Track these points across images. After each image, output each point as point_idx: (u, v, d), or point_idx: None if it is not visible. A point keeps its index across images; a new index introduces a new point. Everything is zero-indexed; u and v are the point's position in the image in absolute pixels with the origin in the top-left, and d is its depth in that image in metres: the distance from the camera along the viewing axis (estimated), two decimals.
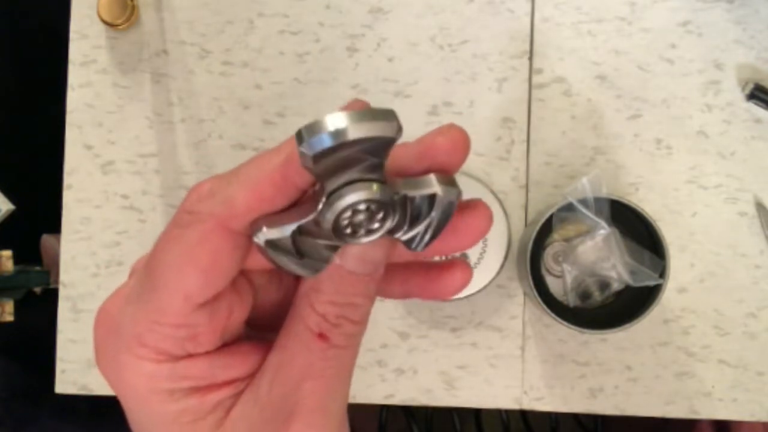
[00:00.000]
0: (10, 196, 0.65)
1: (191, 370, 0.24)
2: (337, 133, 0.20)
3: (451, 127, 0.25)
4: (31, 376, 0.79)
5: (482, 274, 0.58)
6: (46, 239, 0.69)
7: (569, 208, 0.55)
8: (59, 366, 0.62)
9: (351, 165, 0.21)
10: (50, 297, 0.63)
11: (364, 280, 0.25)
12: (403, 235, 0.24)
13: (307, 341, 0.25)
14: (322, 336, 0.25)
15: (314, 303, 0.25)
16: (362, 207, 0.22)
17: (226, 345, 0.25)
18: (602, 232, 0.56)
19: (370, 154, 0.21)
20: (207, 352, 0.25)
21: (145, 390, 0.24)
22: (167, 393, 0.24)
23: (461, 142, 0.25)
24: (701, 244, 0.60)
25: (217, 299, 0.24)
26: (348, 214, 0.22)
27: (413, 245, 0.25)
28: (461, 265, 0.27)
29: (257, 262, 0.25)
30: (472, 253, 0.58)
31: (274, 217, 0.23)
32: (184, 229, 0.24)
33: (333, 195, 0.22)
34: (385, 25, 0.62)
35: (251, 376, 0.25)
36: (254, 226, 0.23)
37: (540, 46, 0.61)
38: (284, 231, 0.22)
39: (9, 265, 0.64)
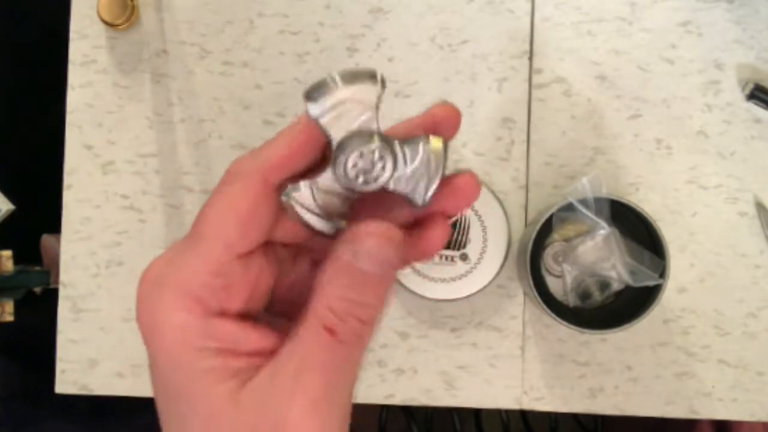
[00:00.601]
0: (10, 196, 0.65)
1: (220, 330, 0.26)
2: (331, 92, 0.25)
3: (446, 103, 0.29)
4: (31, 376, 0.79)
5: (482, 274, 0.58)
6: (46, 239, 0.69)
7: (569, 208, 0.55)
8: (59, 366, 0.62)
9: (352, 120, 0.26)
10: (50, 297, 0.63)
11: (375, 279, 0.26)
12: (406, 187, 0.27)
13: (316, 332, 0.26)
14: (329, 330, 0.26)
15: (325, 297, 0.26)
16: (365, 151, 0.26)
17: (249, 321, 0.27)
18: (602, 232, 0.56)
19: (364, 106, 0.26)
20: (234, 318, 0.27)
21: (178, 344, 0.26)
22: (197, 350, 0.26)
23: (453, 113, 0.28)
24: (701, 244, 0.60)
25: (251, 256, 0.27)
26: (354, 161, 0.26)
27: (417, 199, 0.27)
28: (439, 220, 0.29)
29: (284, 232, 0.28)
30: (472, 253, 0.58)
31: (298, 179, 0.27)
32: (228, 185, 0.27)
33: (340, 145, 0.26)
34: (385, 25, 0.62)
35: (268, 355, 0.27)
36: (282, 189, 0.27)
37: (540, 46, 0.61)
38: (305, 185, 0.27)
39: (9, 265, 0.64)
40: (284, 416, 0.25)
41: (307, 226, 0.27)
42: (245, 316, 0.27)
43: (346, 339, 0.26)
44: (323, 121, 0.26)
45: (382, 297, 0.27)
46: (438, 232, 0.29)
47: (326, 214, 0.27)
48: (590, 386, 0.60)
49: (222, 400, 0.26)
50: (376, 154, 0.26)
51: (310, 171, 0.28)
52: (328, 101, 0.26)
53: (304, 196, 0.27)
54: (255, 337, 0.27)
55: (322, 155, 0.28)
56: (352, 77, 0.26)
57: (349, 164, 0.26)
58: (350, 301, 0.26)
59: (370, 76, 0.26)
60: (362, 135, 0.26)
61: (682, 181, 0.61)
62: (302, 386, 0.26)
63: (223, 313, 0.26)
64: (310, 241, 0.29)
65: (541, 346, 0.60)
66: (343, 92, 0.26)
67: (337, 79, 0.26)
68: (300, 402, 0.25)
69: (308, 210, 0.27)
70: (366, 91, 0.26)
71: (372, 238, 0.26)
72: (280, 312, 0.29)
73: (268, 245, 0.28)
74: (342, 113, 0.26)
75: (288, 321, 0.28)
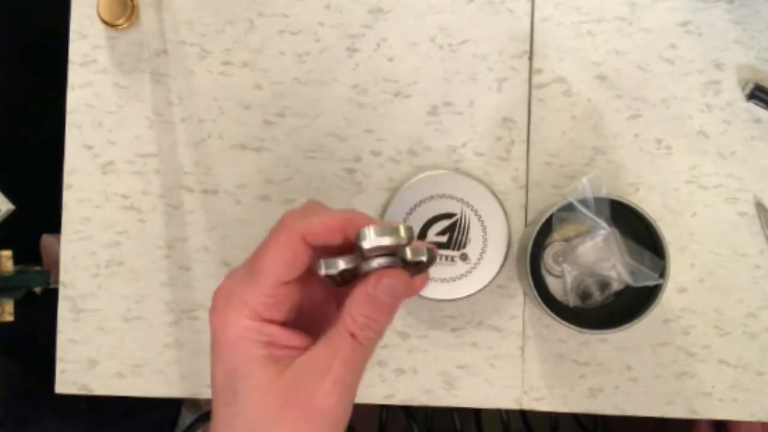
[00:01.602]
0: (10, 196, 0.65)
1: (269, 330, 0.39)
2: (371, 240, 0.39)
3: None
4: (31, 376, 0.79)
5: (482, 274, 0.58)
6: (46, 239, 0.69)
7: (569, 208, 0.55)
8: (59, 366, 0.62)
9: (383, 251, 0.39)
10: (50, 297, 0.63)
11: (387, 305, 0.39)
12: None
13: (343, 336, 0.39)
14: (353, 335, 0.38)
15: (352, 314, 0.39)
16: (384, 263, 0.40)
17: (288, 326, 0.40)
18: (602, 232, 0.56)
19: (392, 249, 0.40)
20: (279, 323, 0.39)
21: (241, 337, 0.39)
22: (253, 341, 0.39)
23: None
24: (701, 244, 0.60)
25: (292, 284, 0.40)
26: (378, 264, 0.39)
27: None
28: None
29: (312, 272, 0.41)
30: (472, 253, 0.58)
31: (330, 258, 0.39)
32: (279, 235, 0.39)
33: (366, 262, 0.39)
34: (385, 25, 0.62)
35: (302, 350, 0.39)
36: (316, 263, 0.39)
37: (540, 46, 0.61)
38: (337, 268, 0.39)
39: (9, 265, 0.64)
40: (316, 388, 0.38)
41: (330, 284, 0.41)
42: (285, 324, 0.40)
43: (364, 342, 0.39)
44: (366, 247, 0.38)
45: (389, 317, 0.39)
46: (422, 280, 0.42)
47: (343, 281, 0.40)
48: (590, 386, 0.60)
49: (268, 377, 0.38)
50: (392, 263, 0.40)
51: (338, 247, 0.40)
52: (367, 244, 0.38)
53: (332, 268, 0.39)
54: (292, 337, 0.40)
55: (349, 242, 0.40)
56: (385, 232, 0.38)
57: (374, 265, 0.39)
58: (369, 318, 0.38)
59: (398, 231, 0.39)
60: (386, 259, 0.39)
61: (682, 181, 0.61)
62: (332, 370, 0.38)
63: (271, 321, 0.39)
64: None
65: (541, 346, 0.60)
66: (377, 241, 0.38)
67: (373, 233, 0.38)
68: (329, 380, 0.38)
69: (333, 279, 0.40)
70: (394, 241, 0.38)
71: (388, 278, 0.38)
72: (300, 325, 0.41)
73: (302, 276, 0.40)
74: (378, 248, 0.39)
75: (314, 325, 0.41)
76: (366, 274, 0.39)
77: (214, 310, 0.40)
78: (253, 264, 0.40)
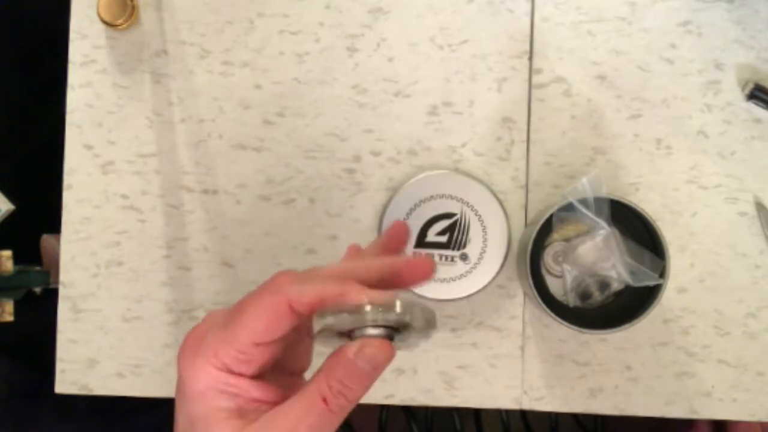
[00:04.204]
0: (10, 196, 0.65)
1: (236, 383, 0.37)
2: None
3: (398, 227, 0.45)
4: (31, 376, 0.79)
5: (482, 274, 0.58)
6: (46, 239, 0.69)
7: (569, 208, 0.55)
8: (59, 366, 0.62)
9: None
10: (50, 297, 0.63)
11: (365, 374, 0.37)
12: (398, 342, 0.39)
13: (314, 400, 0.36)
14: (325, 400, 0.36)
15: (327, 377, 0.37)
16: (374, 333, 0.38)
17: (261, 379, 0.38)
18: (602, 232, 0.56)
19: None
20: (249, 377, 0.38)
21: (206, 386, 0.37)
22: (219, 391, 0.37)
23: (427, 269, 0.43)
24: (701, 244, 0.60)
25: (268, 344, 0.38)
26: (370, 332, 0.38)
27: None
28: (426, 261, 0.42)
29: (295, 330, 0.39)
30: (472, 253, 0.58)
31: (338, 312, 0.38)
32: (266, 295, 0.37)
33: (360, 330, 0.38)
34: (385, 25, 0.62)
35: (271, 404, 0.37)
36: (320, 310, 0.37)
37: (540, 46, 0.61)
38: (341, 326, 0.37)
39: (9, 265, 0.64)
40: None
41: (320, 344, 0.40)
42: (258, 376, 0.38)
43: (335, 410, 0.36)
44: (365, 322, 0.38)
45: (366, 387, 0.37)
46: (420, 270, 0.42)
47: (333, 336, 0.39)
48: (590, 386, 0.60)
49: (229, 429, 0.36)
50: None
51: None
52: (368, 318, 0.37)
53: (339, 324, 0.38)
54: (262, 390, 0.38)
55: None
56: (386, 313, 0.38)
57: (368, 333, 0.38)
58: (344, 385, 0.36)
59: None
60: (375, 330, 0.38)
61: (682, 181, 0.61)
62: None
63: (241, 374, 0.38)
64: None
65: (541, 346, 0.60)
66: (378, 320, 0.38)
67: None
68: None
69: (323, 340, 0.39)
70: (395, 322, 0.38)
71: (372, 348, 0.37)
72: (284, 369, 0.41)
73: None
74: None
75: (289, 375, 0.41)
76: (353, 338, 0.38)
77: (182, 354, 0.38)
78: (232, 315, 0.38)
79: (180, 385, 0.38)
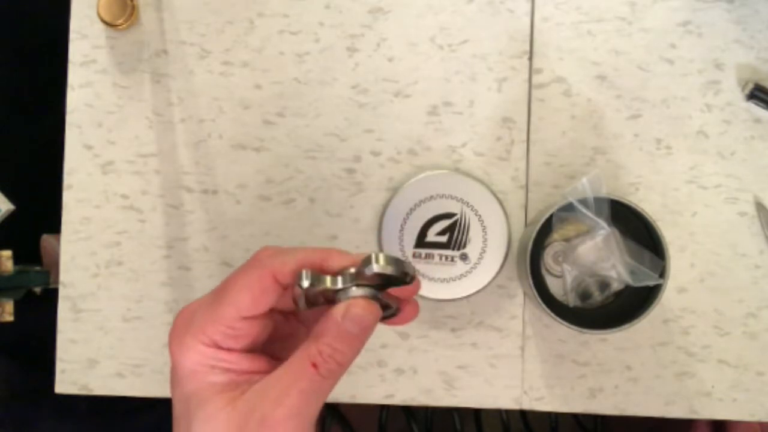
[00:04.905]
0: (10, 196, 0.65)
1: (226, 357, 0.38)
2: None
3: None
4: (31, 376, 0.79)
5: (482, 274, 0.58)
6: (46, 239, 0.69)
7: (569, 208, 0.55)
8: (59, 366, 0.62)
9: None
10: (50, 297, 0.63)
11: (353, 336, 0.37)
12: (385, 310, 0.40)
13: (303, 365, 0.37)
14: (314, 365, 0.37)
15: (316, 342, 0.37)
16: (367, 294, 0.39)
17: (250, 352, 0.39)
18: (602, 232, 0.56)
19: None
20: (239, 351, 0.38)
21: (197, 363, 0.38)
22: (210, 367, 0.38)
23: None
24: (701, 244, 0.60)
25: (256, 318, 0.38)
26: (361, 293, 0.38)
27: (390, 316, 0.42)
28: (409, 303, 0.42)
29: (283, 304, 0.40)
30: (472, 253, 0.58)
31: (316, 273, 0.38)
32: (250, 269, 0.38)
33: (344, 291, 0.38)
34: (385, 25, 0.62)
35: (262, 374, 0.38)
36: (298, 273, 0.38)
37: (540, 46, 0.61)
38: (323, 285, 0.38)
39: (9, 265, 0.64)
40: (269, 415, 0.36)
41: (300, 308, 0.40)
42: (248, 351, 0.39)
43: (325, 375, 0.37)
44: (375, 271, 0.38)
45: (356, 350, 0.38)
46: (410, 311, 0.42)
47: (310, 302, 0.40)
48: (590, 386, 0.60)
49: (222, 402, 0.37)
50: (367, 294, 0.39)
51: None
52: (375, 269, 0.37)
53: (316, 284, 0.38)
54: (252, 363, 0.39)
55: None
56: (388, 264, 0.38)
57: (352, 294, 0.38)
58: (333, 348, 0.37)
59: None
60: (362, 289, 0.38)
61: (682, 181, 0.61)
62: (288, 399, 0.36)
63: (230, 349, 0.38)
64: (300, 311, 0.42)
65: (541, 346, 0.60)
66: (384, 269, 0.37)
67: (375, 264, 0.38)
68: (282, 409, 0.36)
69: (305, 303, 0.39)
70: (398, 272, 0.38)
71: (358, 308, 0.37)
72: (267, 351, 0.41)
73: (270, 311, 0.39)
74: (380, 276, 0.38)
75: (276, 360, 0.39)
76: (337, 302, 0.38)
77: (172, 333, 0.39)
78: (219, 292, 0.39)
79: (172, 367, 0.39)
